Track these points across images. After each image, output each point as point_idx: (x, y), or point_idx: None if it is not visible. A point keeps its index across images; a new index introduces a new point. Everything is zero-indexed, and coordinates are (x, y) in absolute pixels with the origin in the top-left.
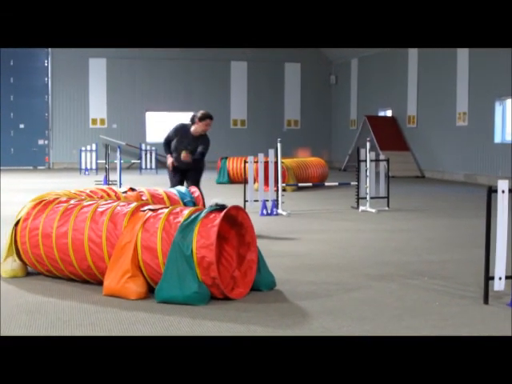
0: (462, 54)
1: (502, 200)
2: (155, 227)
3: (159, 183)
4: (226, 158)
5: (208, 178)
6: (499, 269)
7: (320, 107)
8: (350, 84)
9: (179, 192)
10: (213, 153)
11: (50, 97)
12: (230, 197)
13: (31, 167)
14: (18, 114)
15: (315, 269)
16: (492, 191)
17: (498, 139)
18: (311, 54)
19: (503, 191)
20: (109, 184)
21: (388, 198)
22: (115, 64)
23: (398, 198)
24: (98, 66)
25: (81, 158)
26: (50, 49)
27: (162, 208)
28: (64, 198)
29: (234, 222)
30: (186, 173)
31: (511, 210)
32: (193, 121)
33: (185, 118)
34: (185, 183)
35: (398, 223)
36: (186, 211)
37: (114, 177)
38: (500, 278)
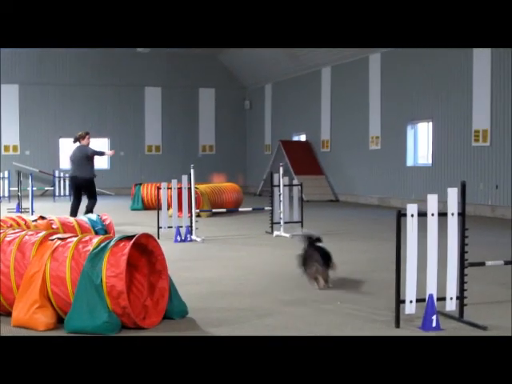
0: (375, 78)
1: (411, 224)
2: (64, 256)
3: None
4: (140, 184)
5: (122, 205)
6: (410, 292)
7: (235, 132)
8: (264, 109)
9: (90, 220)
10: (127, 179)
11: None
12: (143, 224)
13: None
14: None
15: (228, 295)
16: (401, 215)
17: (410, 162)
18: (225, 79)
19: (412, 215)
20: (21, 212)
21: (302, 222)
22: (27, 90)
23: (313, 222)
24: (9, 92)
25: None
26: None
27: (71, 237)
28: None
29: (144, 250)
30: None
31: (424, 233)
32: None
33: (99, 143)
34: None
35: None
36: (96, 239)
37: (26, 204)
38: (411, 301)
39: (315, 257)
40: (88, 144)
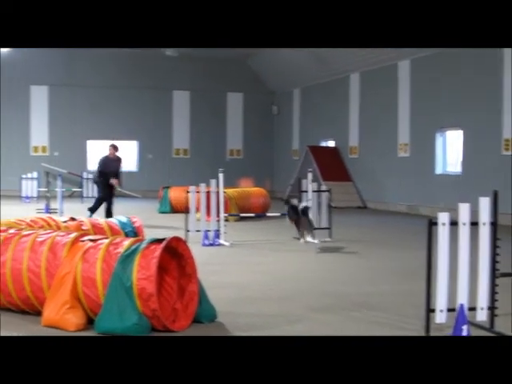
0: (404, 85)
1: (442, 233)
2: (95, 258)
3: (100, 212)
4: (168, 187)
5: (150, 207)
6: (441, 301)
7: (262, 137)
8: (292, 114)
9: (120, 222)
10: (155, 181)
11: None
12: (171, 226)
13: None
14: None
15: (257, 300)
16: (432, 223)
17: (439, 170)
18: (253, 84)
19: (443, 224)
20: (50, 212)
21: (330, 228)
22: (57, 91)
23: (340, 229)
24: (39, 93)
25: (22, 185)
26: None
27: (102, 238)
28: (3, 228)
29: (174, 253)
30: None
31: (454, 242)
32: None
33: (126, 146)
34: None
35: (341, 254)
36: (127, 242)
37: (55, 205)
38: (441, 311)
39: (305, 221)
40: (111, 155)
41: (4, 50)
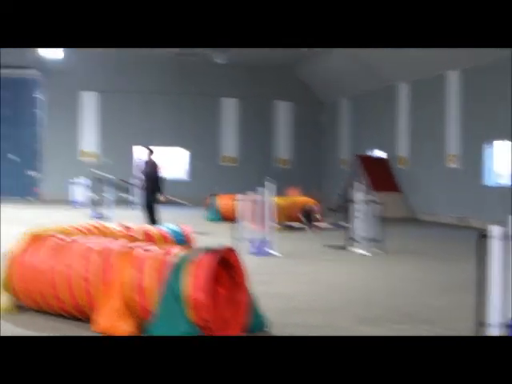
0: (453, 96)
1: (493, 246)
2: (147, 266)
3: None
4: (216, 195)
5: (198, 215)
6: (492, 315)
7: (311, 146)
8: (341, 123)
9: (171, 230)
10: (203, 189)
11: (41, 128)
12: (220, 234)
13: (20, 197)
14: (7, 145)
15: (303, 311)
16: (483, 236)
17: (489, 182)
18: (302, 92)
19: (495, 237)
20: (100, 219)
21: (380, 240)
22: (107, 97)
23: (390, 240)
24: (89, 98)
25: (72, 190)
26: (41, 80)
27: (153, 247)
28: (57, 234)
29: (225, 264)
30: None
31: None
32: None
33: (175, 152)
34: None
35: (389, 265)
36: (179, 251)
37: (105, 211)
38: (493, 325)
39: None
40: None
41: (54, 55)
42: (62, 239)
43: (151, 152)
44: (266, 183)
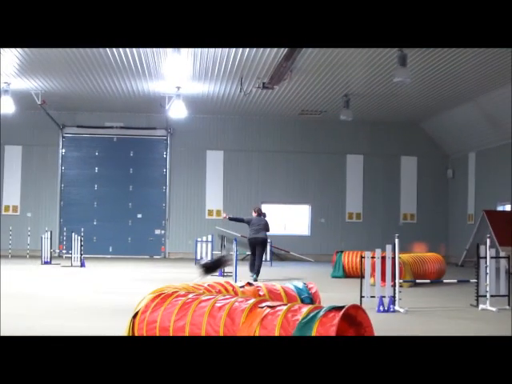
0: None
1: None
2: (273, 324)
3: (275, 275)
4: (342, 251)
5: (322, 271)
6: None
7: (436, 201)
8: (468, 178)
9: (296, 287)
10: (327, 245)
11: (167, 187)
12: (345, 291)
13: (147, 256)
14: (136, 204)
15: None
16: None
17: None
18: (428, 147)
19: None
20: (224, 275)
21: (509, 295)
22: (232, 156)
23: None
24: (215, 157)
25: (196, 248)
26: (168, 140)
27: (280, 305)
28: (182, 292)
29: (352, 321)
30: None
31: None
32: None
33: (300, 210)
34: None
35: None
36: (305, 309)
37: (229, 269)
38: None
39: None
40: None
41: (181, 116)
42: (187, 297)
43: (258, 211)
44: (394, 239)
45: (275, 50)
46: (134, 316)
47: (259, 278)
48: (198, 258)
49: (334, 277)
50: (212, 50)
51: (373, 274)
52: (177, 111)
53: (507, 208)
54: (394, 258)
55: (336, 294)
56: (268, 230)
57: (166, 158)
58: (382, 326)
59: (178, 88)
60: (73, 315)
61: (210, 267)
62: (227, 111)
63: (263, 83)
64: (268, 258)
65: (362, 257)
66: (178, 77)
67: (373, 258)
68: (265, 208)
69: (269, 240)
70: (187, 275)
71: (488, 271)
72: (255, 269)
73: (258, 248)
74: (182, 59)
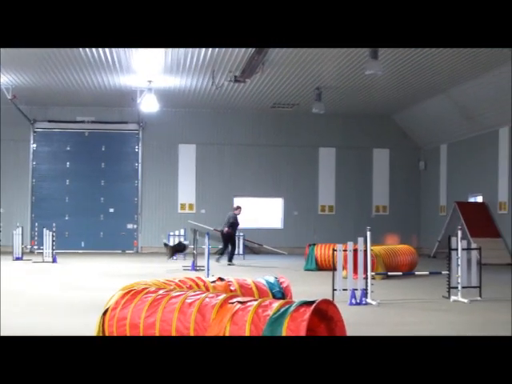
0: None
1: None
2: (244, 320)
3: (247, 269)
4: (314, 244)
5: (295, 264)
6: None
7: (409, 193)
8: (440, 170)
9: (268, 282)
10: (300, 238)
11: (139, 182)
12: (318, 285)
13: (120, 251)
14: (108, 199)
15: None
16: None
17: None
18: (400, 139)
19: None
20: (196, 269)
21: (481, 287)
22: (204, 149)
23: (491, 287)
24: (187, 151)
25: (169, 242)
26: (140, 135)
27: (250, 300)
28: (153, 288)
29: (323, 316)
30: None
31: None
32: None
33: (272, 203)
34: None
35: (492, 314)
36: (276, 304)
37: (201, 262)
38: None
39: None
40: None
41: (153, 110)
42: (157, 293)
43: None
44: (366, 232)
45: None
46: (104, 313)
47: (233, 270)
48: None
49: (306, 270)
50: None
51: (345, 267)
52: (148, 105)
53: (479, 199)
54: (365, 251)
55: (308, 287)
56: (231, 224)
57: (137, 152)
58: (354, 318)
59: (150, 82)
60: (44, 312)
61: (173, 248)
62: (199, 105)
63: (235, 76)
64: (241, 252)
65: (333, 250)
66: (149, 71)
67: (345, 250)
68: (237, 201)
69: (241, 234)
70: (160, 270)
71: (459, 263)
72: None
73: (224, 240)
74: (153, 53)
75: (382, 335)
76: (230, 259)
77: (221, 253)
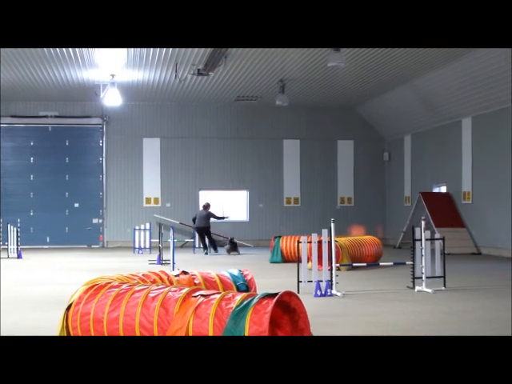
0: None
1: None
2: (207, 313)
3: (212, 262)
4: (280, 236)
5: (261, 257)
6: None
7: (373, 184)
8: (404, 160)
9: (232, 275)
10: (266, 231)
11: (104, 176)
12: (283, 277)
13: (85, 246)
14: (72, 193)
15: None
16: None
17: None
18: (364, 131)
19: None
20: (162, 263)
21: (444, 277)
22: (168, 143)
23: (454, 277)
24: (151, 145)
25: (134, 236)
26: (104, 129)
27: (214, 293)
28: (116, 283)
29: (286, 308)
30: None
31: None
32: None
33: (238, 196)
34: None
35: (456, 304)
36: (239, 297)
37: (167, 256)
38: None
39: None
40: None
41: (117, 104)
42: (120, 287)
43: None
44: (330, 224)
45: None
46: (68, 308)
47: (199, 264)
48: (137, 246)
49: (272, 262)
50: None
51: (310, 259)
52: (112, 99)
53: (443, 189)
54: (330, 242)
55: (274, 279)
56: (212, 219)
57: (101, 146)
58: (318, 310)
59: (113, 76)
60: (8, 308)
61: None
62: (163, 98)
63: (198, 70)
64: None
65: (298, 242)
66: (112, 65)
67: (309, 242)
68: (202, 195)
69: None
70: (125, 264)
71: (423, 253)
72: (210, 246)
73: (204, 234)
74: (115, 47)
75: (346, 329)
76: (215, 248)
77: (204, 247)
